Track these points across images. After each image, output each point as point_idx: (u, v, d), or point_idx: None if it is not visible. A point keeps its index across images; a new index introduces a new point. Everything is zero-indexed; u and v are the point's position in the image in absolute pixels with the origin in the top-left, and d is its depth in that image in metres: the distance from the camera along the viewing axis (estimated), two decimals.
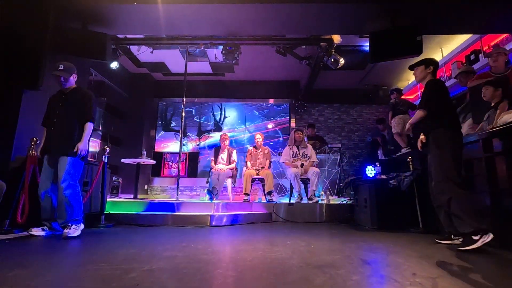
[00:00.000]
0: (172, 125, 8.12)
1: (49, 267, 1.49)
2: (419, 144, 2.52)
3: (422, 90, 2.53)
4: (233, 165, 4.90)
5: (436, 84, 2.43)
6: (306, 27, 4.17)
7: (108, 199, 3.59)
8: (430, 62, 2.52)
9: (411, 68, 2.64)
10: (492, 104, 2.91)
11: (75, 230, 2.43)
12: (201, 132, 8.01)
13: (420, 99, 2.46)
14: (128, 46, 5.84)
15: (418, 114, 2.40)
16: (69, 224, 2.44)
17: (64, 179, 2.47)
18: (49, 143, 2.58)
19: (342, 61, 5.08)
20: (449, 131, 2.28)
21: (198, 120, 8.17)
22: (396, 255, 1.86)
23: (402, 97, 5.60)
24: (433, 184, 2.28)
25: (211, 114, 8.18)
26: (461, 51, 5.17)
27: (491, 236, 1.92)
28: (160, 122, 8.12)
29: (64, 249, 1.98)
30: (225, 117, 8.15)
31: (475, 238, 1.94)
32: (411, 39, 3.57)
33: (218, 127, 8.06)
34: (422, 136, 2.49)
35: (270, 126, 8.08)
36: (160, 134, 8.06)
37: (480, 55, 4.67)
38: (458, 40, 5.27)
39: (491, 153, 2.39)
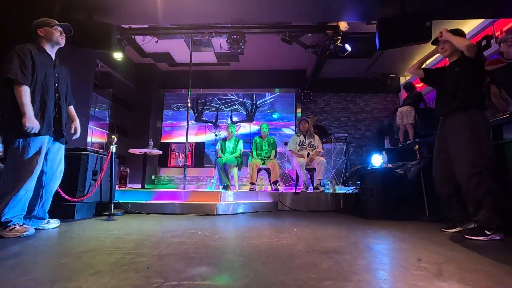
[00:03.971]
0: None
1: (61, 253, 1.54)
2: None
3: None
4: (237, 154, 4.98)
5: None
6: (312, 13, 4.09)
7: (117, 188, 3.66)
8: (463, 34, 2.25)
9: (437, 41, 2.34)
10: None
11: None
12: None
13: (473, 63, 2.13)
14: (133, 37, 5.83)
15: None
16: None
17: (63, 169, 2.33)
18: (53, 124, 2.16)
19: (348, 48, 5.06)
20: (483, 113, 2.10)
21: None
22: (402, 242, 1.87)
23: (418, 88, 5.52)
24: (461, 173, 2.06)
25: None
26: (472, 37, 5.03)
27: (501, 236, 1.93)
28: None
29: (75, 236, 2.04)
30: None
31: (488, 232, 1.93)
32: (421, 25, 3.48)
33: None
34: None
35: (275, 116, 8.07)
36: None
37: (492, 40, 4.54)
38: (469, 26, 5.12)
39: (501, 140, 2.35)
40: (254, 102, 8.11)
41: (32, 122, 1.95)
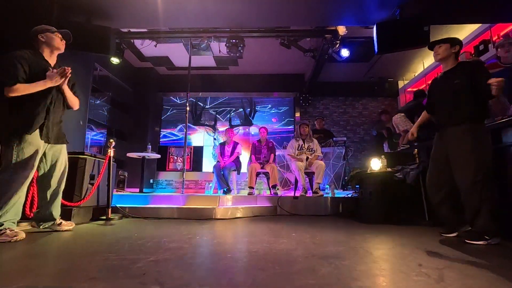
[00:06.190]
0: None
1: (58, 258, 1.52)
2: (409, 137, 2.55)
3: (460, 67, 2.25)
4: (234, 157, 5.01)
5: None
6: (310, 17, 4.12)
7: (115, 192, 3.63)
8: (457, 42, 2.27)
9: (433, 45, 2.34)
10: None
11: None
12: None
13: (473, 77, 2.11)
14: (132, 40, 5.82)
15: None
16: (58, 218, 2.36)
17: (65, 170, 2.36)
18: (46, 128, 2.14)
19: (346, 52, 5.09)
20: (484, 123, 2.16)
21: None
22: (402, 247, 1.85)
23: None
24: (464, 180, 2.07)
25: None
26: (470, 42, 5.06)
27: (499, 241, 1.96)
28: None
29: (72, 241, 2.02)
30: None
31: (487, 237, 1.96)
32: (419, 30, 3.50)
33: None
34: (413, 130, 2.53)
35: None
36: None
37: (489, 45, 4.56)
38: (467, 30, 5.15)
39: (500, 144, 2.35)
40: (253, 106, 8.11)
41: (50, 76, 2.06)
